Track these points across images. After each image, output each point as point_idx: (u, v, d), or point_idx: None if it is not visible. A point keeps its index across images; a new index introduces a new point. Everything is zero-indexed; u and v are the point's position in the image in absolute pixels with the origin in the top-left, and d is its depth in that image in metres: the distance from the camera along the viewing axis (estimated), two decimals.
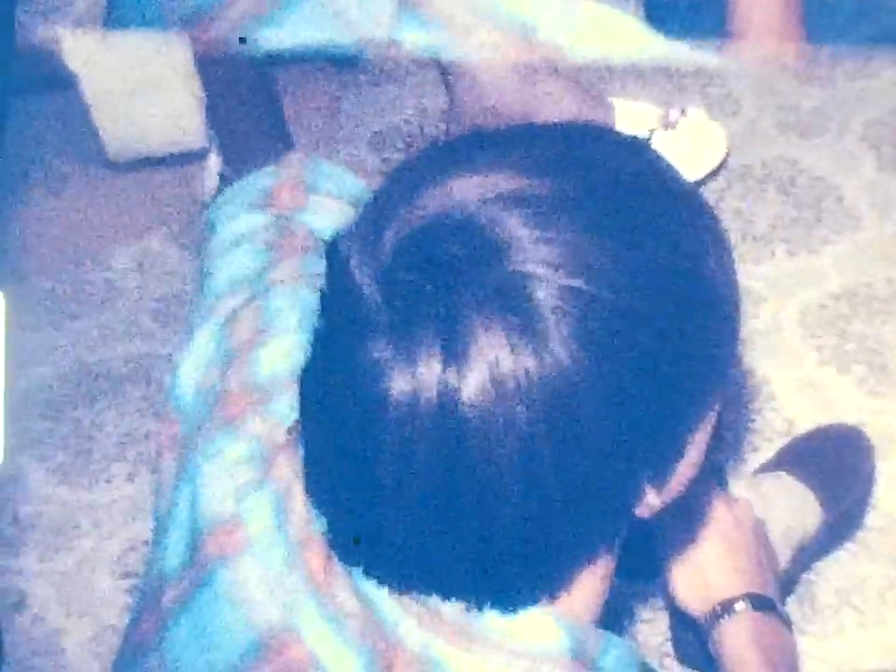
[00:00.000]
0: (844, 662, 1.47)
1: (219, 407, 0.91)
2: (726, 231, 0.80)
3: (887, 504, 1.58)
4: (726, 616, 1.14)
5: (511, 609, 0.79)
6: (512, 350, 0.70)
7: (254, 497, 0.86)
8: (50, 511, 1.71)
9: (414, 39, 1.00)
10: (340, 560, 0.81)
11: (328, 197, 1.05)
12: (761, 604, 1.15)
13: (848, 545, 1.55)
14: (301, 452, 0.83)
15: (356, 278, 0.73)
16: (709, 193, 1.91)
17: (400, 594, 0.79)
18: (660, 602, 1.50)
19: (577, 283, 0.71)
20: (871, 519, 1.56)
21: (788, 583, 1.50)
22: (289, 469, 0.85)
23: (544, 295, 0.70)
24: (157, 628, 0.88)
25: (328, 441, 0.77)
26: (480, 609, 0.78)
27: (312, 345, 0.78)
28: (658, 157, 0.80)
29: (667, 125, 1.85)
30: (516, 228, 0.71)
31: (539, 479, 0.72)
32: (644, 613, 1.51)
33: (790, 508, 1.46)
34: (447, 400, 0.70)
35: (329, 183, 1.06)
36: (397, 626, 0.79)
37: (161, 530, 0.91)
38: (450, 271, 0.71)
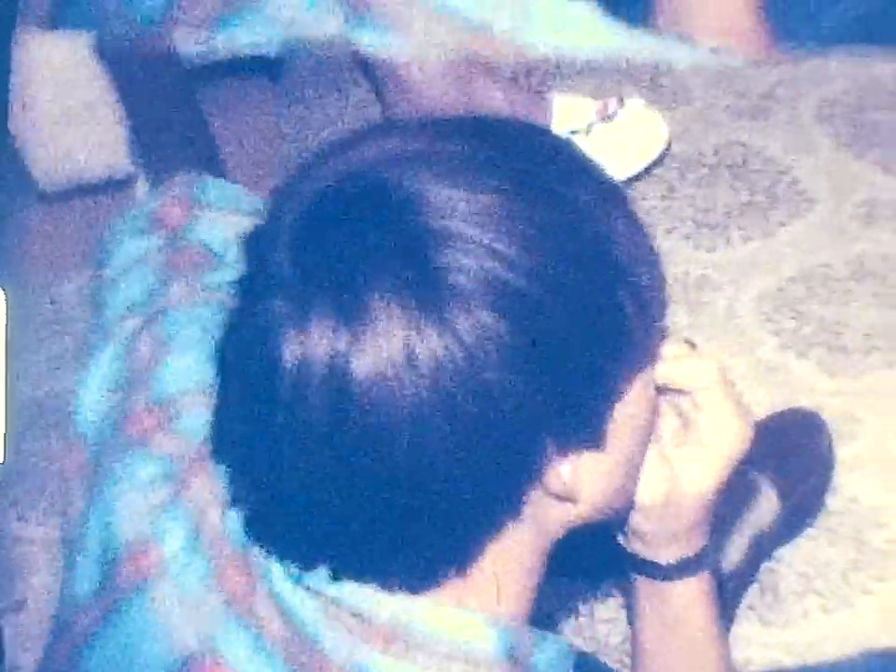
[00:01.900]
0: (809, 648, 1.44)
1: (127, 427, 0.90)
2: (631, 200, 0.79)
3: (847, 486, 1.55)
4: (695, 570, 0.96)
5: (420, 583, 0.77)
6: (409, 322, 0.68)
7: (167, 518, 0.84)
8: (4, 546, 1.70)
9: (367, 41, 1.00)
10: (249, 538, 0.79)
11: (218, 210, 1.04)
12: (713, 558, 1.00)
13: (809, 530, 1.52)
14: (213, 465, 0.82)
15: (267, 241, 0.72)
16: (661, 182, 1.89)
17: (325, 598, 0.78)
18: (619, 602, 1.48)
19: (492, 241, 0.69)
20: (831, 501, 1.54)
21: (747, 572, 1.48)
22: (204, 490, 0.84)
23: (455, 255, 0.69)
24: (71, 655, 0.86)
25: (231, 401, 0.77)
26: (388, 586, 0.76)
27: (227, 313, 0.77)
28: (566, 141, 0.81)
29: (605, 117, 1.83)
30: (427, 182, 0.70)
31: (432, 446, 0.70)
32: (604, 613, 1.49)
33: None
34: (337, 368, 0.69)
35: (217, 197, 1.05)
36: (324, 641, 0.78)
37: (71, 556, 0.90)
38: (356, 231, 0.70)
